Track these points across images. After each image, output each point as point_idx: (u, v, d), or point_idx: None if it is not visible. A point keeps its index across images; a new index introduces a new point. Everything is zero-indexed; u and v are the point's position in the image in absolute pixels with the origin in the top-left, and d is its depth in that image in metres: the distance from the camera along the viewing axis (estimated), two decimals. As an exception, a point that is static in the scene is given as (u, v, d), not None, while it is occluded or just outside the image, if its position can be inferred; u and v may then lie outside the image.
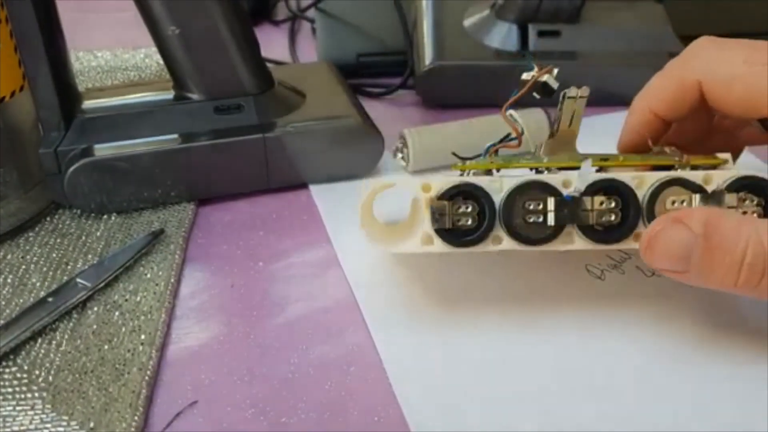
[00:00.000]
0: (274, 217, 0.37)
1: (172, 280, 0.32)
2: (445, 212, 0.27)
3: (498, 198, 0.27)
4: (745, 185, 0.26)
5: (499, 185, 0.27)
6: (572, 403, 0.26)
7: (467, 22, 0.49)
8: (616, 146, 0.33)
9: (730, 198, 0.26)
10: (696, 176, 0.27)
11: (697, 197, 0.27)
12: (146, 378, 0.27)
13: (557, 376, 0.27)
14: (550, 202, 0.27)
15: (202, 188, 0.38)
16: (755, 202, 0.26)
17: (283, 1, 0.68)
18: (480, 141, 0.40)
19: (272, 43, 0.60)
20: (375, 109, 0.44)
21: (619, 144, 0.33)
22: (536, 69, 0.30)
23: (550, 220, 0.27)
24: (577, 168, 0.28)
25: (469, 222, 0.27)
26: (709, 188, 0.27)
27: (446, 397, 0.27)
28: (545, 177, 0.27)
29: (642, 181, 0.27)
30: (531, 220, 0.27)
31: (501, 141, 0.31)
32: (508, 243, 0.28)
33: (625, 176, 0.27)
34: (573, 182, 0.27)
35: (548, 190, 0.27)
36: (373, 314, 0.30)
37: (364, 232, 0.29)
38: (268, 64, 0.41)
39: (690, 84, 0.29)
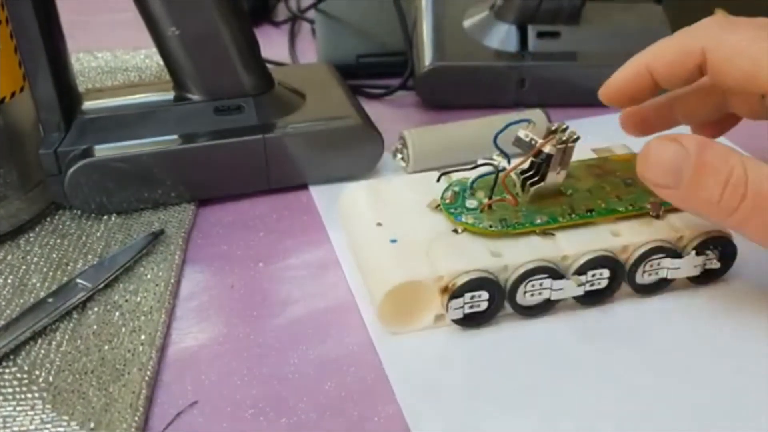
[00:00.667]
0: (274, 218, 0.38)
1: (172, 281, 0.32)
2: (462, 305, 0.28)
3: (505, 280, 0.29)
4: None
5: (509, 271, 0.29)
6: (573, 400, 0.26)
7: (467, 23, 0.50)
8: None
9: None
10: (671, 237, 0.30)
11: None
12: (146, 378, 0.27)
13: (557, 371, 0.27)
14: (552, 283, 0.29)
15: (203, 189, 0.38)
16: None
17: (283, 2, 0.68)
18: (479, 142, 0.41)
19: (272, 44, 0.60)
20: (375, 109, 0.44)
21: (604, 87, 0.33)
22: (530, 128, 0.30)
23: (553, 296, 0.29)
24: (571, 225, 0.30)
25: (481, 307, 0.29)
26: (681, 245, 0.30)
27: (446, 397, 0.27)
28: (548, 258, 0.29)
29: (627, 251, 0.30)
30: (533, 296, 0.29)
31: (492, 196, 0.30)
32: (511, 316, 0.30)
33: (616, 247, 0.29)
34: (572, 263, 0.29)
35: (550, 271, 0.29)
36: (372, 314, 0.30)
37: (380, 322, 0.29)
38: (268, 65, 0.41)
39: (693, 50, 0.28)
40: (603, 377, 0.27)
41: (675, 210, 0.30)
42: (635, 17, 0.51)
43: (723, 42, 0.28)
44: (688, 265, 0.30)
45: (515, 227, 0.29)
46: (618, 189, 0.31)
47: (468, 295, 0.28)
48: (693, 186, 0.26)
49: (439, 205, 0.31)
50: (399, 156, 0.41)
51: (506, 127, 0.31)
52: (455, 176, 0.32)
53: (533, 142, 0.29)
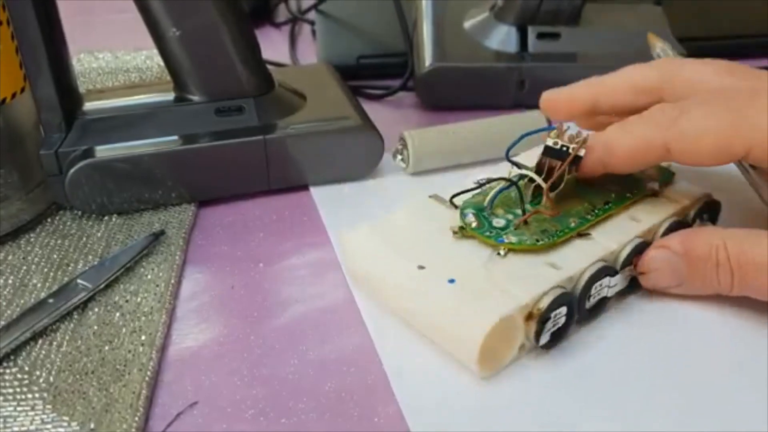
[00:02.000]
0: (274, 219, 0.38)
1: (173, 281, 0.32)
2: (550, 328, 0.27)
3: (572, 290, 0.28)
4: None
5: (574, 281, 0.28)
6: (574, 401, 0.26)
7: (467, 24, 0.50)
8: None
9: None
10: (677, 209, 0.31)
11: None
12: (147, 379, 0.27)
13: (558, 371, 0.27)
14: (610, 281, 0.29)
15: (203, 189, 0.38)
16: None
17: (283, 3, 0.68)
18: (479, 143, 0.41)
19: (273, 45, 0.60)
20: (375, 110, 0.44)
21: (551, 97, 0.34)
22: (553, 135, 0.30)
23: (609, 293, 0.29)
24: (597, 222, 0.30)
25: (560, 324, 0.28)
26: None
27: (446, 397, 0.27)
28: (603, 257, 0.29)
29: (651, 232, 0.31)
30: (594, 299, 0.29)
31: (525, 210, 0.30)
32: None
33: (643, 231, 0.30)
34: (617, 257, 0.30)
35: (609, 270, 0.29)
36: (372, 315, 0.30)
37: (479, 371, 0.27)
38: (269, 66, 0.41)
39: (655, 144, 0.28)
40: (625, 383, 0.27)
41: (667, 183, 0.33)
42: (635, 18, 0.51)
43: (683, 133, 0.28)
44: None
45: (559, 236, 0.29)
46: (615, 176, 0.32)
47: (552, 316, 0.27)
48: (692, 280, 0.29)
49: (457, 232, 0.30)
50: (399, 157, 0.41)
51: (522, 138, 0.31)
52: (460, 199, 0.31)
53: (564, 148, 0.29)
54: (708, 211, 0.33)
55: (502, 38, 0.48)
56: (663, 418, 0.25)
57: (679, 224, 0.31)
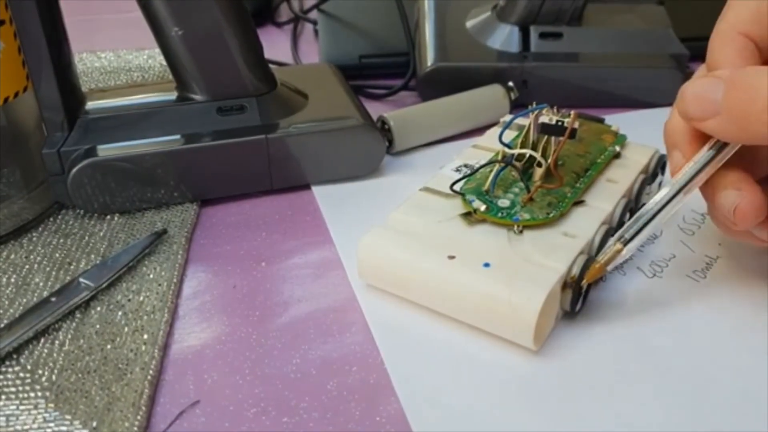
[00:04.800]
0: (276, 218, 0.38)
1: (175, 280, 0.32)
2: (583, 293, 0.29)
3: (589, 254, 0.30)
4: None
5: (588, 246, 0.30)
6: (575, 402, 0.26)
7: (469, 24, 0.50)
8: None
9: None
10: (641, 167, 0.35)
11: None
12: (149, 377, 0.27)
13: (559, 372, 0.27)
14: (612, 240, 0.29)
15: (205, 189, 0.38)
16: None
17: (286, 2, 0.68)
18: (454, 117, 0.45)
19: (275, 45, 0.61)
20: (377, 110, 0.44)
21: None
22: (546, 112, 0.32)
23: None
24: (585, 189, 0.33)
25: (585, 285, 0.29)
26: None
27: (448, 397, 0.27)
28: (604, 220, 0.31)
29: (631, 191, 0.34)
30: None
31: (529, 187, 0.31)
32: None
33: (624, 191, 0.33)
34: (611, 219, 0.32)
35: (613, 232, 0.30)
36: (374, 314, 0.30)
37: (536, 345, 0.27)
38: (271, 66, 0.41)
39: None
40: (626, 383, 0.27)
41: (622, 145, 0.36)
42: (637, 18, 0.51)
43: None
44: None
45: (563, 207, 0.31)
46: (579, 146, 0.34)
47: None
48: (731, 106, 0.25)
49: (466, 218, 0.31)
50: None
51: (511, 121, 0.34)
52: (458, 186, 0.32)
53: (560, 123, 0.31)
54: (662, 166, 0.36)
55: (504, 38, 0.48)
56: (654, 408, 0.26)
57: (646, 181, 0.35)
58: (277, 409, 0.26)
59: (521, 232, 0.30)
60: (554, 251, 0.29)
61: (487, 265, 0.28)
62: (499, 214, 0.30)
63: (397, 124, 0.42)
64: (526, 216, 0.30)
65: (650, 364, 0.28)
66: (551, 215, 0.30)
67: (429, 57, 0.47)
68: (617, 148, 0.35)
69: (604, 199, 0.32)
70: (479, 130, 0.45)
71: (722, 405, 0.26)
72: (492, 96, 0.46)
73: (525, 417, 0.26)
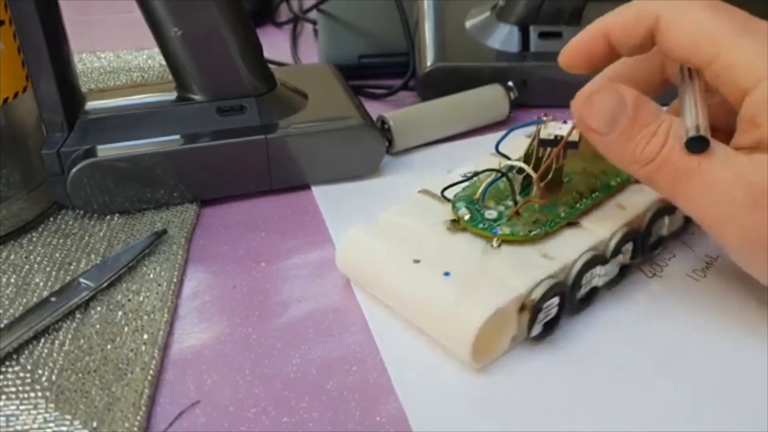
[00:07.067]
0: (276, 218, 0.38)
1: (175, 281, 0.32)
2: (543, 319, 0.27)
3: (565, 279, 0.28)
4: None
5: (566, 270, 0.28)
6: (577, 402, 0.26)
7: (469, 24, 0.50)
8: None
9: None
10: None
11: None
12: (149, 378, 0.27)
13: (559, 370, 0.27)
14: (600, 269, 0.29)
15: (205, 189, 0.38)
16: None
17: (285, 2, 0.68)
18: (454, 118, 0.44)
19: (274, 45, 0.61)
20: (376, 110, 0.44)
21: (562, 51, 0.33)
22: (545, 127, 0.31)
23: (599, 282, 0.29)
24: (585, 210, 0.31)
25: (552, 314, 0.28)
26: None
27: (448, 396, 0.27)
28: (593, 246, 0.29)
29: (640, 219, 0.31)
30: (584, 288, 0.29)
31: (516, 201, 0.31)
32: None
33: (631, 218, 0.31)
34: (607, 246, 0.30)
35: (600, 259, 0.29)
36: (374, 314, 0.30)
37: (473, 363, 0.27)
38: (271, 66, 0.41)
39: (648, 14, 0.29)
40: (620, 390, 0.27)
41: None
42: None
43: (675, 7, 0.28)
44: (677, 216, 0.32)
45: (550, 226, 0.29)
46: (595, 164, 0.32)
47: (544, 306, 0.27)
48: (624, 136, 0.27)
49: (450, 226, 0.30)
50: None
51: (509, 132, 0.33)
52: (450, 193, 0.32)
53: (558, 137, 0.30)
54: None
55: (504, 38, 0.48)
56: (655, 407, 0.26)
57: (664, 211, 0.31)
58: (277, 409, 0.26)
59: (499, 246, 0.29)
60: (522, 270, 0.28)
61: (447, 274, 0.28)
62: (480, 225, 0.30)
63: (396, 124, 0.42)
64: (506, 231, 0.29)
65: (650, 364, 0.28)
66: (533, 233, 0.29)
67: (428, 57, 0.47)
68: None
69: (602, 224, 0.30)
70: (479, 130, 0.45)
71: (722, 405, 0.26)
72: (492, 96, 0.46)
73: (525, 417, 0.26)
